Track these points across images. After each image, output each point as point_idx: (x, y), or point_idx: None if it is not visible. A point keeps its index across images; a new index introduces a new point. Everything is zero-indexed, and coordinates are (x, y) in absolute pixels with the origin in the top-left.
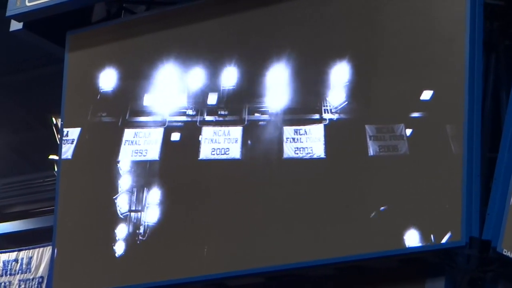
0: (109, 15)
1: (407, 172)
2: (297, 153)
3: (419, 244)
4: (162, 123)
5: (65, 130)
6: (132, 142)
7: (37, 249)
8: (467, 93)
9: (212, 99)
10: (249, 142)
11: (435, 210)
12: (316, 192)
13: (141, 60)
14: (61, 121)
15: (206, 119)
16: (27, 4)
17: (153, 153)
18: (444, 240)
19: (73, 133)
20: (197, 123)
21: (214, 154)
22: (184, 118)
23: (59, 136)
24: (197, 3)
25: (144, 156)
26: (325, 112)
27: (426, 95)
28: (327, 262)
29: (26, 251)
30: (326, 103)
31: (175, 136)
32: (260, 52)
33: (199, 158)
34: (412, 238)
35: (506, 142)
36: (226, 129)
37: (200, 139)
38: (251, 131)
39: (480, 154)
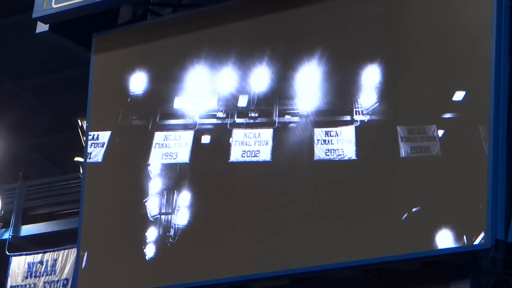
0: (135, 17)
1: (435, 174)
2: (328, 155)
3: (445, 247)
4: (192, 126)
5: (95, 133)
6: (162, 145)
7: (62, 251)
8: (493, 96)
9: (242, 101)
10: (279, 144)
11: (461, 212)
12: (346, 194)
13: (169, 62)
14: (86, 123)
15: (236, 121)
16: (53, 6)
17: (184, 156)
18: (469, 243)
19: (103, 136)
20: (228, 126)
21: (244, 157)
22: (214, 121)
23: (84, 138)
24: (224, 5)
25: (174, 159)
26: (356, 114)
27: (455, 97)
28: (353, 265)
29: (51, 253)
30: (357, 105)
31: (206, 139)
32: (290, 54)
33: (229, 161)
34: (437, 241)
35: None
36: (256, 131)
37: (230, 141)
38: (281, 133)
39: (506, 156)
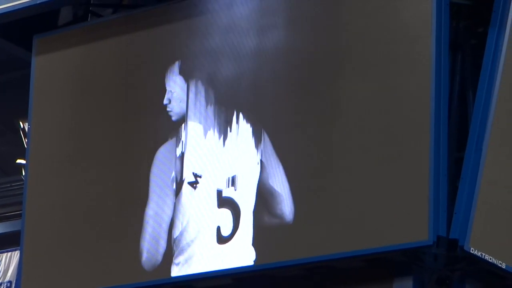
0: (76, 18)
1: (374, 172)
2: None
3: (387, 244)
4: None
5: (39, 135)
6: None
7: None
8: (433, 93)
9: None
10: None
11: (403, 209)
12: (294, 188)
13: (109, 63)
14: (28, 125)
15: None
16: None
17: None
18: (411, 240)
19: (48, 138)
20: None
21: None
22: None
23: (26, 141)
24: (165, 6)
25: None
26: None
27: (393, 94)
28: (295, 263)
29: None
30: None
31: None
32: (237, 51)
33: None
34: (379, 238)
35: (472, 141)
36: None
37: None
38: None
39: (447, 153)
